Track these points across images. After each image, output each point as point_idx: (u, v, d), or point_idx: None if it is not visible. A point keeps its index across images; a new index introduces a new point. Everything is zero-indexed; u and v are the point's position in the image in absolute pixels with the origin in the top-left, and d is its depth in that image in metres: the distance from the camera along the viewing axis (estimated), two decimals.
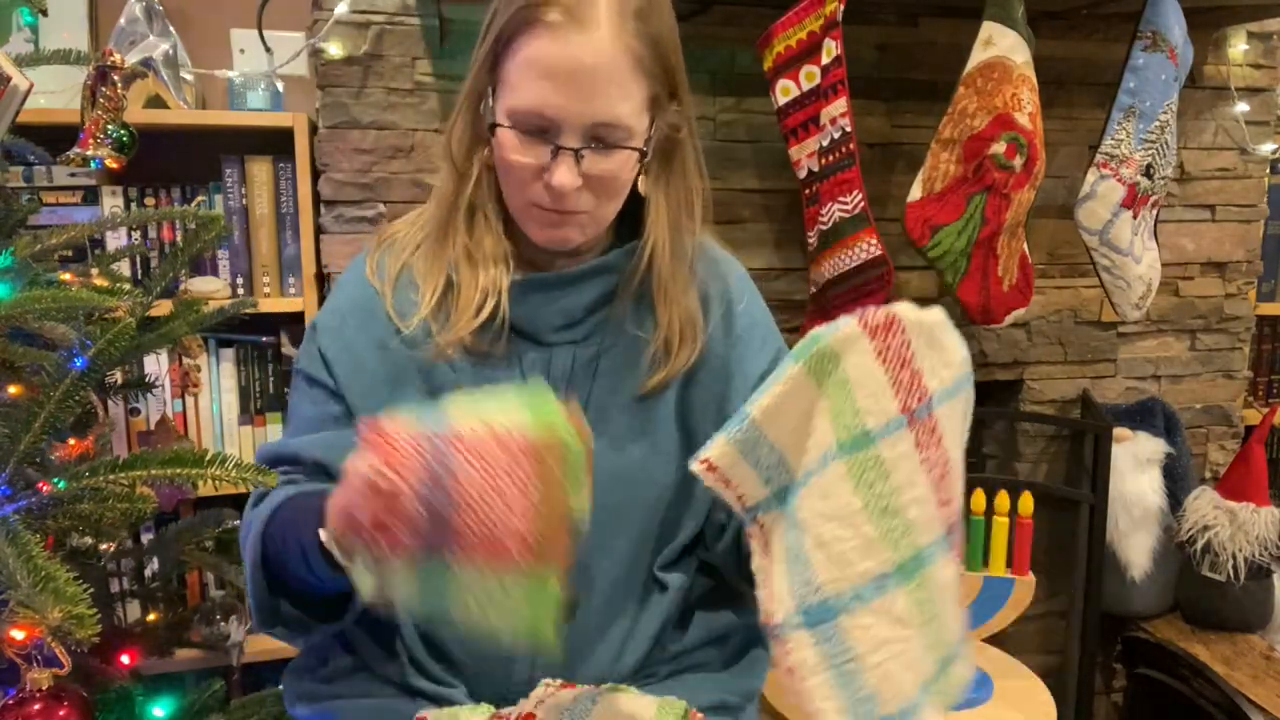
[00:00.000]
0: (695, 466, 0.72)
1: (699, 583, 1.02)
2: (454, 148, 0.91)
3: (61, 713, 0.85)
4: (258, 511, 0.88)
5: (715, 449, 0.71)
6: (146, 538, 1.64)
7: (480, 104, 0.88)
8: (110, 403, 1.58)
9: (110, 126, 1.14)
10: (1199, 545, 1.92)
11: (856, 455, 0.72)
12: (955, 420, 0.78)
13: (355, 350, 0.93)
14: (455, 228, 0.92)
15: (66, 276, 1.14)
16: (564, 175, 0.84)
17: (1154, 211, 1.76)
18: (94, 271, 1.26)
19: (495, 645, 0.69)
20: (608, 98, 0.82)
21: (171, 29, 1.67)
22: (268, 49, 1.71)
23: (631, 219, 0.95)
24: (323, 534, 0.76)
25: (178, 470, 0.87)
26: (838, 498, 0.72)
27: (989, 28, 1.54)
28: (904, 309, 0.73)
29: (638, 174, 0.91)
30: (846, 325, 0.71)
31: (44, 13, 1.15)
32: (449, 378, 0.93)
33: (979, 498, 1.42)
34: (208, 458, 0.87)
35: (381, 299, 0.93)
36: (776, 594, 0.72)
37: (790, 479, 0.72)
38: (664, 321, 0.94)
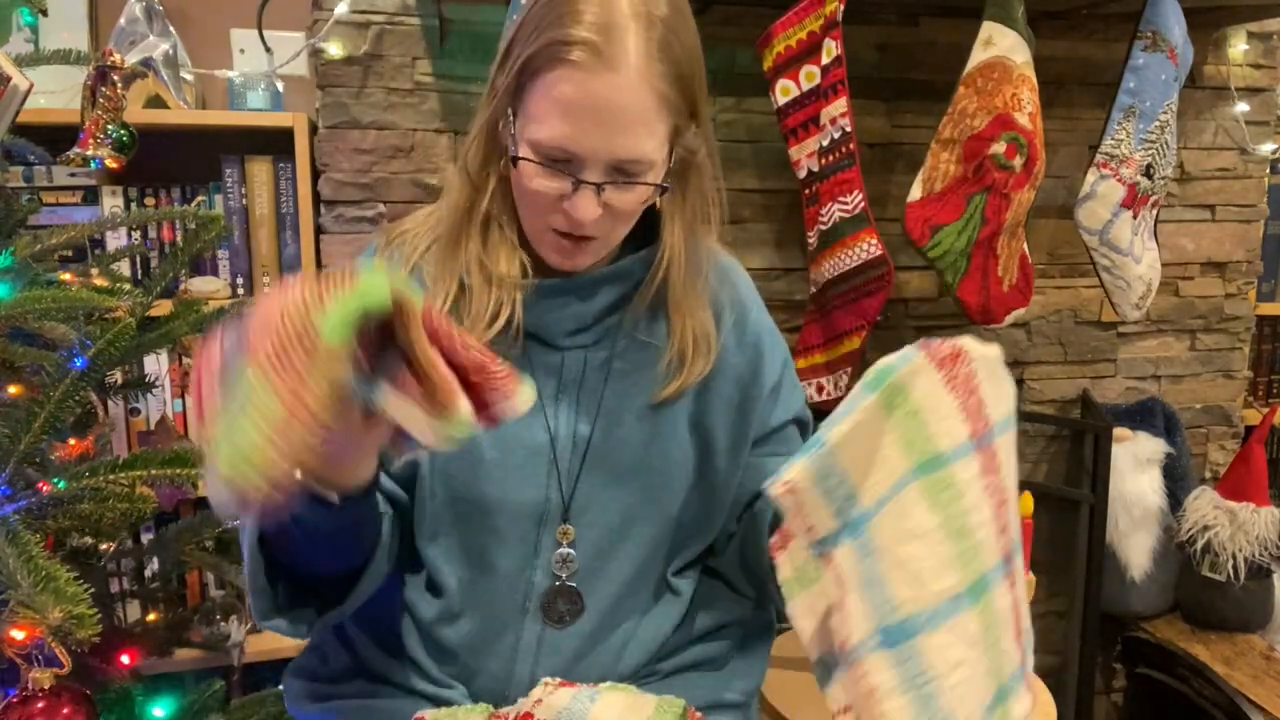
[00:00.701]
0: (776, 489, 0.72)
1: (701, 583, 1.02)
2: (469, 162, 0.91)
3: (65, 711, 0.85)
4: None
5: (796, 471, 0.72)
6: (146, 538, 1.63)
7: (499, 124, 0.88)
8: (110, 403, 1.58)
9: (110, 126, 1.14)
10: (1199, 545, 1.92)
11: (931, 476, 0.73)
12: (1009, 453, 0.79)
13: None
14: (469, 235, 0.92)
15: (66, 276, 1.14)
16: (585, 209, 0.83)
17: (1154, 211, 1.76)
18: (94, 271, 1.26)
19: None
20: (634, 135, 0.81)
21: (171, 29, 1.67)
22: (268, 49, 1.71)
23: (643, 224, 0.95)
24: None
25: (178, 470, 0.87)
26: (914, 517, 0.73)
27: (989, 28, 1.54)
28: (968, 342, 0.74)
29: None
30: (915, 358, 0.72)
31: (44, 13, 1.15)
32: None
33: None
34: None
35: None
36: (852, 618, 0.73)
37: (860, 510, 0.73)
38: (677, 331, 0.94)
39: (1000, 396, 0.77)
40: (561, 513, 0.93)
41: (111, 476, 0.88)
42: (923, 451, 0.73)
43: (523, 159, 0.83)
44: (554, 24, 0.80)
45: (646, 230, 0.95)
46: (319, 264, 1.64)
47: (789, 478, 0.72)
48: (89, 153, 1.14)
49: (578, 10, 0.79)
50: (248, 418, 0.59)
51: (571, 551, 0.93)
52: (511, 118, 0.85)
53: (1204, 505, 1.93)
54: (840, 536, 0.73)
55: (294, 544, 0.82)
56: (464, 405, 0.67)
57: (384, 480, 0.91)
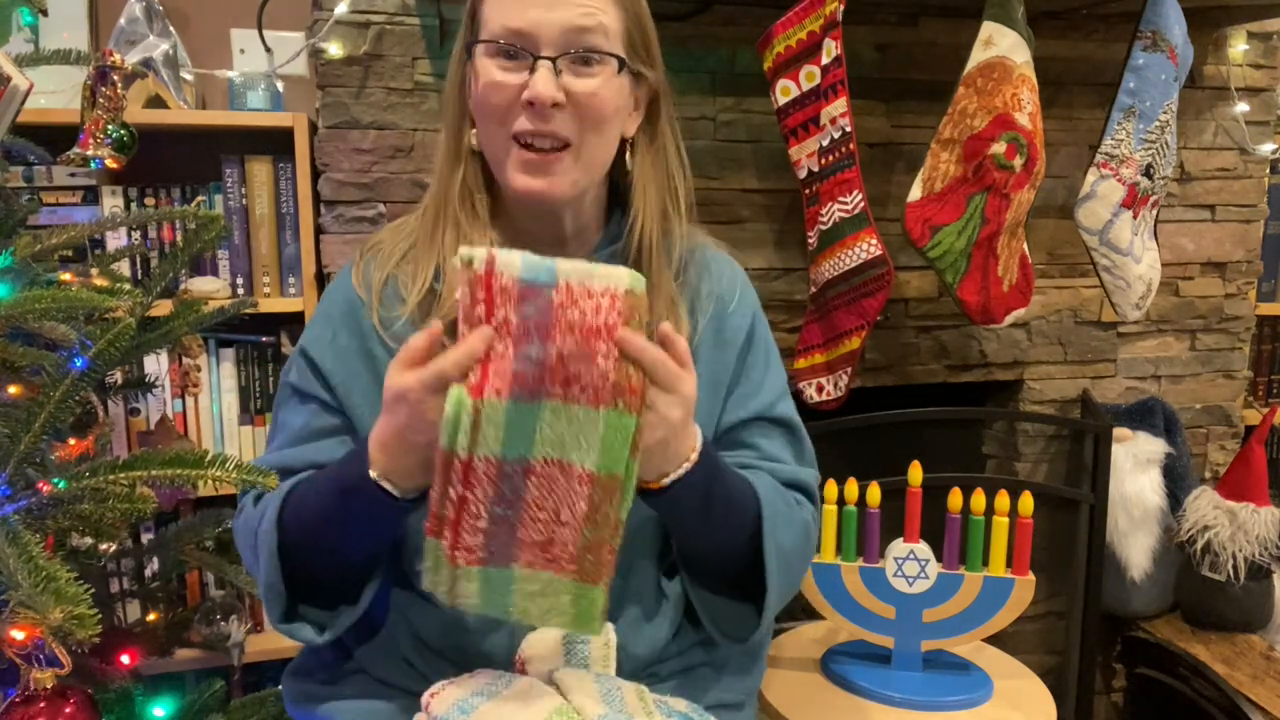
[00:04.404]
0: None
1: None
2: (446, 136, 0.93)
3: (68, 711, 0.85)
4: (262, 505, 0.89)
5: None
6: (146, 538, 1.63)
7: (463, 85, 0.90)
8: (110, 403, 1.58)
9: (110, 126, 1.14)
10: (1199, 545, 1.91)
11: None
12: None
13: (348, 357, 0.94)
14: (446, 218, 0.92)
15: (66, 276, 1.14)
16: (543, 83, 0.83)
17: (1154, 211, 1.76)
18: (94, 271, 1.26)
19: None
20: (580, 5, 0.84)
21: (171, 29, 1.67)
22: (268, 49, 1.71)
23: (620, 219, 0.95)
24: (372, 472, 0.78)
25: (178, 471, 0.87)
26: None
27: (989, 28, 1.54)
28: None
29: (625, 152, 0.92)
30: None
31: (44, 13, 1.15)
32: None
33: (979, 498, 1.42)
34: (208, 458, 0.87)
35: (367, 309, 0.93)
36: None
37: None
38: (658, 315, 0.93)
39: None
40: None
41: (111, 477, 0.88)
42: None
43: (481, 47, 0.86)
44: None
45: (621, 226, 0.95)
46: (319, 264, 1.64)
47: None
48: (89, 153, 1.14)
49: None
50: (587, 607, 0.77)
51: None
52: (470, 60, 0.88)
53: (1204, 505, 1.93)
54: None
55: (325, 536, 0.84)
56: None
57: None
